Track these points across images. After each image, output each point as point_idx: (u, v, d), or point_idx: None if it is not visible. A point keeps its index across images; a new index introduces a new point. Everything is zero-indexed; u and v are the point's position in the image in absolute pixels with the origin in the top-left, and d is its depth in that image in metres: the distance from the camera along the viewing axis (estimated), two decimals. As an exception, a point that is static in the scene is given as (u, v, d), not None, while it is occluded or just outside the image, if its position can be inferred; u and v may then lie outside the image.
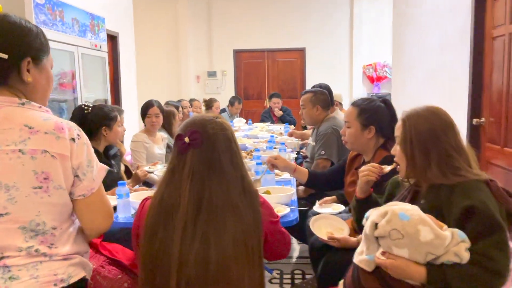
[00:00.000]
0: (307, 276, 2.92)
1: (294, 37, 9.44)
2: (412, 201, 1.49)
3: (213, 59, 9.70)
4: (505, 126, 3.28)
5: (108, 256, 2.03)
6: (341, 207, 2.43)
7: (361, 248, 1.42)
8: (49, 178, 1.21)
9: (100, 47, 4.01)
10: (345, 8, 9.35)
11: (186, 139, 1.28)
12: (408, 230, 1.24)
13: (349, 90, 9.62)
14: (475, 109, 3.67)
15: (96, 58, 3.99)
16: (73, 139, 1.25)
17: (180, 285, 1.19)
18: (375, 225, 1.32)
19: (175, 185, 1.26)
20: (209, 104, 5.70)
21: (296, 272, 3.02)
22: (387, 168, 1.63)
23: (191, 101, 5.23)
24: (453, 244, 1.22)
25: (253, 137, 4.23)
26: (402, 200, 1.52)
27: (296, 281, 2.89)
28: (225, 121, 1.38)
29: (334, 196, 2.67)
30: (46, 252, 1.24)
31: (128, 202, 1.89)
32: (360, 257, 1.40)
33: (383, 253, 1.29)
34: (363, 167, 1.71)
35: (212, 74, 9.74)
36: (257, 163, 2.57)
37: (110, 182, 2.57)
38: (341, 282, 1.61)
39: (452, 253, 1.21)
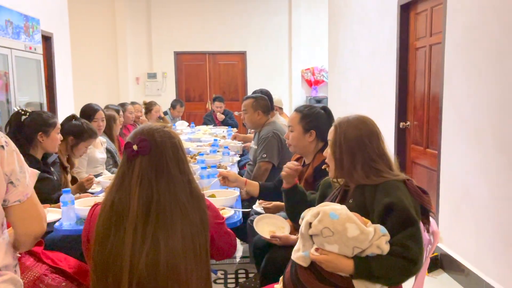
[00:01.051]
0: (251, 275, 3.04)
1: (235, 40, 9.58)
2: (342, 200, 1.66)
3: (153, 60, 9.57)
4: (427, 129, 3.61)
5: (51, 264, 2.03)
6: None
7: (298, 246, 1.56)
8: None
9: (35, 49, 3.89)
10: (284, 13, 9.64)
11: (135, 147, 1.35)
12: (337, 228, 1.39)
13: (289, 93, 9.92)
14: (401, 113, 3.99)
15: (30, 61, 3.86)
16: (2, 146, 1.27)
17: (132, 286, 1.26)
18: (309, 225, 1.46)
19: (125, 191, 1.32)
20: (148, 107, 5.66)
21: (240, 271, 3.13)
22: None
23: (132, 104, 5.17)
24: (375, 238, 1.39)
25: (196, 140, 4.30)
26: (333, 199, 1.68)
27: (240, 280, 3.00)
28: (172, 130, 1.46)
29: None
30: None
31: (73, 209, 1.90)
32: (297, 254, 1.53)
33: (317, 250, 1.44)
34: (288, 164, 1.96)
35: (152, 75, 9.62)
36: (202, 167, 2.65)
37: (50, 190, 2.55)
38: (281, 278, 1.74)
39: (375, 246, 1.38)
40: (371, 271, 1.38)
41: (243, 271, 3.15)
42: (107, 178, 2.78)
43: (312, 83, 9.86)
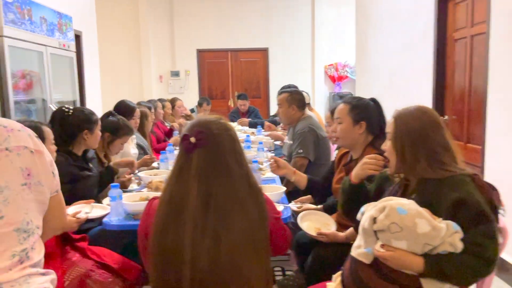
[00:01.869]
0: (288, 272, 2.98)
1: (257, 37, 9.52)
2: (403, 195, 1.58)
3: (176, 58, 9.60)
4: (467, 123, 3.49)
5: (97, 260, 2.01)
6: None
7: (358, 242, 1.49)
8: (30, 174, 1.20)
9: (68, 46, 3.90)
10: (306, 9, 9.53)
11: (192, 139, 1.30)
12: (407, 223, 1.32)
13: (312, 90, 9.82)
14: (438, 107, 3.87)
15: (64, 58, 3.87)
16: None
17: (194, 281, 1.22)
18: (374, 220, 1.39)
19: (183, 184, 1.28)
20: (172, 103, 5.65)
21: (276, 269, 3.07)
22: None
23: (161, 101, 5.17)
24: (447, 235, 1.31)
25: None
26: (394, 194, 1.61)
27: (277, 278, 2.94)
28: (228, 122, 1.41)
29: (309, 196, 2.75)
30: (34, 258, 1.18)
31: (121, 204, 1.87)
32: (358, 251, 1.47)
33: (382, 246, 1.37)
34: (369, 157, 1.77)
35: (175, 73, 9.64)
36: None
37: (91, 186, 2.54)
38: (335, 276, 1.68)
39: (447, 244, 1.31)
40: (442, 269, 1.31)
41: (278, 268, 3.09)
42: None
43: (336, 79, 9.73)
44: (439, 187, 1.45)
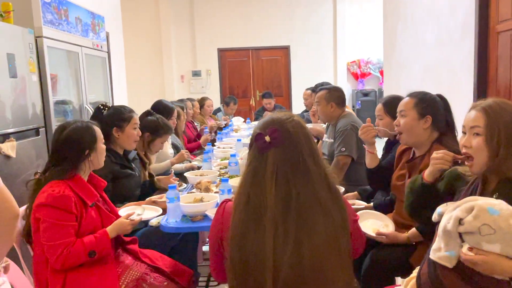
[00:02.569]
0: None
1: (278, 35, 9.45)
2: (482, 195, 1.49)
3: (197, 58, 9.59)
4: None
5: (149, 263, 1.97)
6: (363, 204, 2.41)
7: (437, 244, 1.40)
8: None
9: (101, 47, 3.88)
10: (328, 6, 9.42)
11: (267, 138, 1.23)
12: (500, 225, 1.23)
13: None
14: (481, 102, 3.73)
15: (97, 59, 3.85)
16: None
17: (276, 287, 1.15)
18: (459, 221, 1.30)
19: (259, 185, 1.21)
20: (201, 103, 5.62)
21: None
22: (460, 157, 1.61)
23: (190, 100, 5.13)
24: (545, 237, 1.22)
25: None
26: (472, 194, 1.51)
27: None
28: (302, 119, 1.34)
29: (355, 192, 2.67)
30: None
31: (179, 205, 1.81)
32: (438, 254, 1.38)
33: (471, 249, 1.28)
34: (438, 152, 1.67)
35: (196, 73, 9.64)
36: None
37: (133, 186, 2.50)
38: (406, 280, 1.60)
39: (545, 246, 1.21)
40: None
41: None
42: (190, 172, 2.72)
43: (359, 76, 9.62)
44: None
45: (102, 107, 2.52)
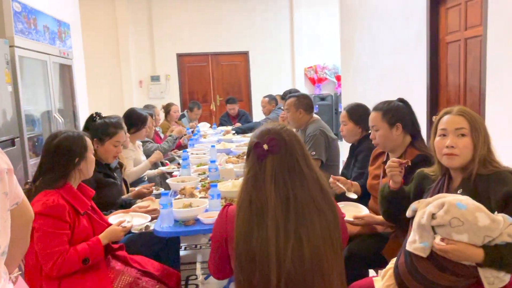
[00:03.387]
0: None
1: (237, 40, 9.59)
2: (448, 192, 1.69)
3: (156, 63, 9.54)
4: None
5: (139, 268, 2.03)
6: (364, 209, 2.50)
7: (413, 237, 1.58)
8: (8, 195, 1.13)
9: (68, 54, 3.85)
10: (285, 12, 9.68)
11: (265, 146, 1.36)
12: (467, 218, 1.42)
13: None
14: (433, 107, 4.06)
15: (63, 67, 3.81)
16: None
17: (280, 281, 1.28)
18: (432, 215, 1.48)
19: (260, 189, 1.34)
20: (167, 109, 5.63)
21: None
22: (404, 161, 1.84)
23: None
24: (505, 226, 1.42)
25: (229, 141, 4.30)
26: (438, 191, 1.71)
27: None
28: (292, 129, 1.48)
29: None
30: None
31: (171, 211, 1.90)
32: (414, 245, 1.56)
33: (443, 240, 1.46)
34: (387, 165, 1.88)
35: (155, 78, 9.58)
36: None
37: (116, 195, 2.55)
38: (383, 271, 1.77)
39: (505, 235, 1.42)
40: (502, 259, 1.41)
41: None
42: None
43: (316, 81, 9.93)
44: (487, 183, 1.57)
45: (94, 115, 2.54)
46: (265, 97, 5.69)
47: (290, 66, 9.91)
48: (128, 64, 9.33)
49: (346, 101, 6.40)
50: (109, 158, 2.53)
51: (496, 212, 1.46)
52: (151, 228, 2.23)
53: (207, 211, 1.98)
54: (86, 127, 2.44)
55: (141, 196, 2.70)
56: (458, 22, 3.67)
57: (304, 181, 1.36)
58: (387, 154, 2.27)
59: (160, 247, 2.39)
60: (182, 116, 6.27)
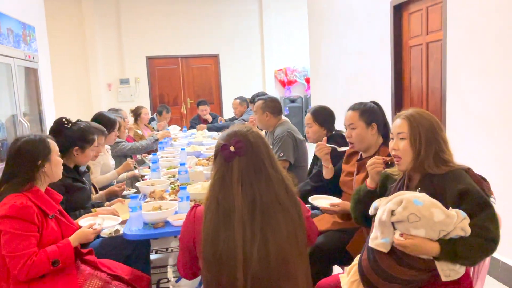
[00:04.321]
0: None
1: (208, 43, 9.60)
2: (408, 190, 1.77)
3: (125, 66, 9.43)
4: (426, 123, 3.82)
5: (109, 272, 2.03)
6: (337, 200, 2.59)
7: (374, 234, 1.65)
8: None
9: (33, 57, 3.77)
10: (255, 15, 9.76)
11: (232, 148, 1.40)
12: (424, 213, 1.50)
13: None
14: (398, 108, 4.18)
15: (29, 70, 3.74)
16: None
17: (247, 280, 1.31)
18: (392, 212, 1.56)
19: (227, 190, 1.37)
20: (137, 112, 5.58)
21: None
22: (388, 159, 1.89)
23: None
24: (458, 221, 1.51)
25: (199, 143, 4.31)
26: (400, 189, 1.79)
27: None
28: (259, 130, 1.52)
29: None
30: None
31: (141, 214, 1.90)
32: (376, 241, 1.63)
33: (401, 235, 1.54)
34: (370, 160, 1.94)
35: (124, 81, 9.47)
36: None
37: (85, 199, 2.53)
38: (348, 268, 1.84)
39: (459, 229, 1.50)
40: (456, 252, 1.50)
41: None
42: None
43: (286, 84, 10.04)
44: (443, 181, 1.65)
45: (65, 121, 2.52)
46: (236, 99, 5.74)
47: (261, 68, 10.00)
48: (96, 67, 9.19)
49: (315, 103, 6.52)
50: (86, 162, 2.57)
51: (450, 208, 1.55)
52: (121, 232, 2.24)
53: (176, 213, 1.99)
54: (57, 132, 2.41)
55: (112, 194, 2.70)
56: (420, 27, 3.82)
57: (270, 182, 1.40)
58: (360, 153, 2.34)
59: (130, 251, 2.39)
60: (152, 119, 6.23)
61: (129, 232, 1.89)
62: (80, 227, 2.02)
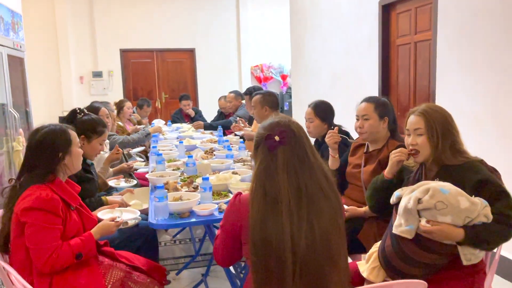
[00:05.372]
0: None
1: (183, 37, 9.51)
2: (426, 180, 1.86)
3: (98, 58, 9.19)
4: (413, 119, 3.99)
5: (127, 263, 2.02)
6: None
7: (398, 221, 1.74)
8: None
9: (20, 46, 3.65)
10: (231, 10, 9.75)
11: (277, 138, 1.44)
12: (451, 201, 1.59)
13: (239, 90, 10.09)
14: (384, 105, 4.33)
15: (16, 59, 3.61)
16: None
17: (295, 264, 1.36)
18: (418, 200, 1.64)
19: (273, 178, 1.42)
20: (120, 105, 5.47)
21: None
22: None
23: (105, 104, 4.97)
24: (481, 208, 1.61)
25: (189, 137, 4.29)
26: (418, 180, 1.88)
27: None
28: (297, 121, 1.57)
29: None
30: None
31: (167, 204, 1.91)
32: (400, 228, 1.71)
33: (428, 222, 1.63)
34: (395, 150, 2.00)
35: (97, 74, 9.23)
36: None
37: (94, 190, 2.51)
38: (367, 255, 1.92)
39: (482, 215, 1.61)
40: (478, 237, 1.60)
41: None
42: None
43: (262, 80, 10.10)
44: (461, 171, 1.76)
45: (78, 111, 2.50)
46: (230, 92, 5.72)
47: (237, 64, 10.01)
48: (67, 58, 8.91)
49: (297, 100, 6.61)
50: (92, 156, 2.54)
51: (473, 196, 1.66)
52: (129, 224, 2.24)
53: (199, 203, 2.01)
54: (69, 122, 2.37)
55: (121, 171, 2.73)
56: (408, 26, 3.97)
57: (312, 171, 1.46)
58: (367, 145, 2.43)
59: (141, 242, 2.38)
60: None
61: (155, 221, 1.89)
62: (99, 219, 2.01)
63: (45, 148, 1.84)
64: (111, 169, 2.76)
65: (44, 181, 1.78)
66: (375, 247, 1.93)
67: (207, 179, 2.05)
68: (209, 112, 7.32)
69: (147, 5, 9.22)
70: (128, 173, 3.37)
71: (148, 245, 2.41)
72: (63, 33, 8.79)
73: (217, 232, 1.65)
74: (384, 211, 2.06)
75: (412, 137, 1.87)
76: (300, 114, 5.58)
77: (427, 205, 1.62)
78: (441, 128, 1.79)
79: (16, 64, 3.63)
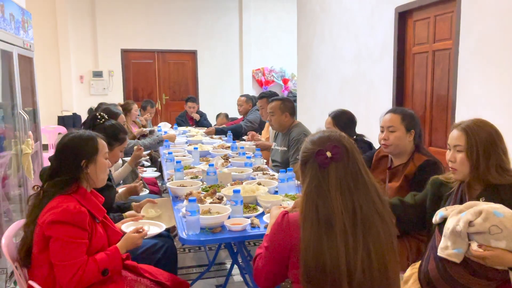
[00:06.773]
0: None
1: (185, 39, 9.42)
2: (470, 199, 1.78)
3: (98, 58, 9.07)
4: (429, 128, 3.92)
5: (151, 278, 1.92)
6: None
7: (444, 243, 1.65)
8: None
9: (30, 46, 3.52)
10: (234, 14, 9.67)
11: (328, 154, 1.35)
12: (506, 225, 1.51)
13: (240, 93, 9.98)
14: (398, 114, 4.26)
15: (25, 59, 3.48)
16: None
17: None
18: (469, 223, 1.56)
19: (325, 197, 1.32)
20: (126, 107, 5.35)
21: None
22: None
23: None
24: (536, 232, 1.53)
25: (198, 142, 4.19)
26: (460, 199, 1.80)
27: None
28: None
29: None
30: None
31: (198, 218, 1.80)
32: (447, 251, 1.62)
33: (480, 246, 1.54)
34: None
35: (97, 74, 9.10)
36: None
37: (113, 198, 2.40)
38: (405, 276, 1.83)
39: (536, 240, 1.53)
40: None
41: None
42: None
43: (263, 83, 10.02)
44: (510, 192, 1.68)
45: (99, 116, 2.39)
46: (242, 96, 5.63)
47: (239, 67, 9.93)
48: (68, 57, 8.77)
49: (303, 105, 6.53)
50: (115, 162, 2.42)
51: (527, 219, 1.57)
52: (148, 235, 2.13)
53: (229, 218, 1.91)
54: (89, 127, 2.27)
55: (132, 192, 2.60)
56: (426, 34, 3.90)
57: (367, 190, 1.36)
58: (391, 158, 2.33)
59: (160, 255, 2.28)
60: (136, 115, 6.00)
61: (185, 236, 1.78)
62: (123, 232, 1.90)
63: (69, 153, 1.74)
64: (119, 190, 2.64)
65: (68, 191, 1.67)
66: (414, 268, 1.85)
67: (238, 191, 1.94)
68: (209, 115, 7.23)
69: (149, 6, 9.12)
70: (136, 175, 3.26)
71: (168, 257, 2.31)
72: (64, 31, 8.65)
73: (256, 251, 1.56)
74: (413, 229, 1.99)
75: (452, 152, 1.79)
76: (305, 119, 5.50)
77: (480, 228, 1.54)
78: (484, 147, 1.71)
79: (26, 64, 3.50)
